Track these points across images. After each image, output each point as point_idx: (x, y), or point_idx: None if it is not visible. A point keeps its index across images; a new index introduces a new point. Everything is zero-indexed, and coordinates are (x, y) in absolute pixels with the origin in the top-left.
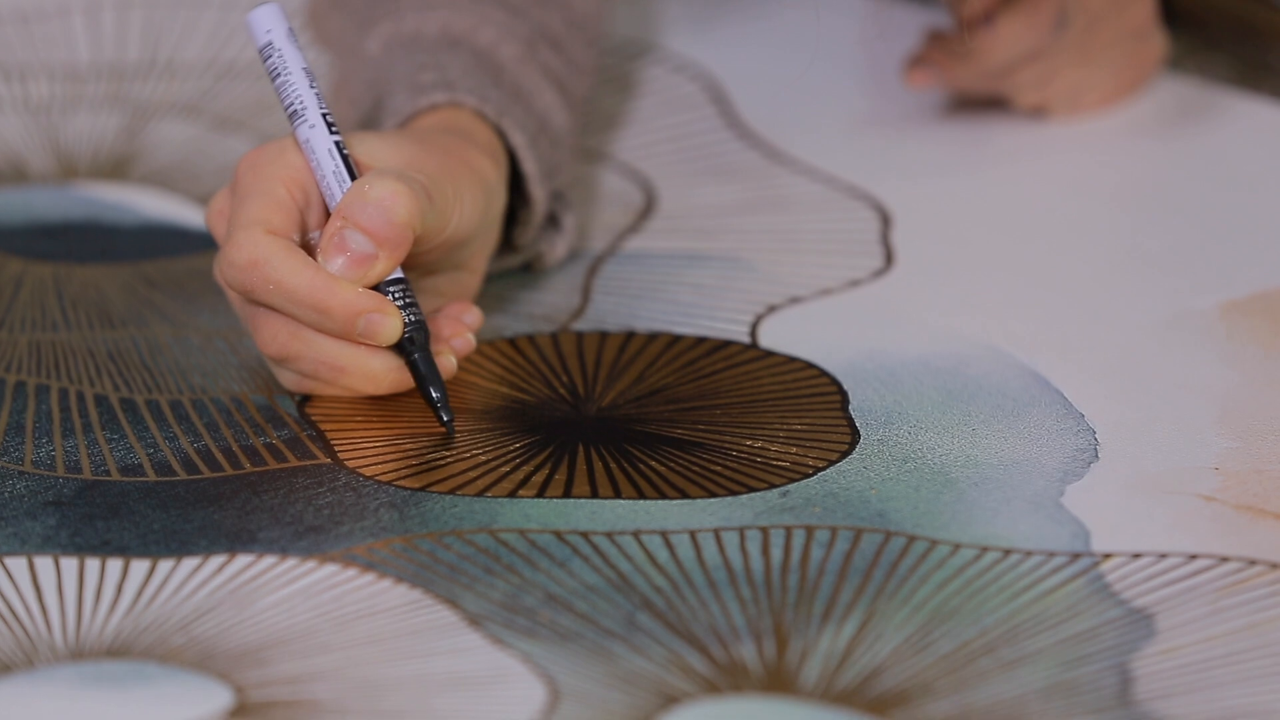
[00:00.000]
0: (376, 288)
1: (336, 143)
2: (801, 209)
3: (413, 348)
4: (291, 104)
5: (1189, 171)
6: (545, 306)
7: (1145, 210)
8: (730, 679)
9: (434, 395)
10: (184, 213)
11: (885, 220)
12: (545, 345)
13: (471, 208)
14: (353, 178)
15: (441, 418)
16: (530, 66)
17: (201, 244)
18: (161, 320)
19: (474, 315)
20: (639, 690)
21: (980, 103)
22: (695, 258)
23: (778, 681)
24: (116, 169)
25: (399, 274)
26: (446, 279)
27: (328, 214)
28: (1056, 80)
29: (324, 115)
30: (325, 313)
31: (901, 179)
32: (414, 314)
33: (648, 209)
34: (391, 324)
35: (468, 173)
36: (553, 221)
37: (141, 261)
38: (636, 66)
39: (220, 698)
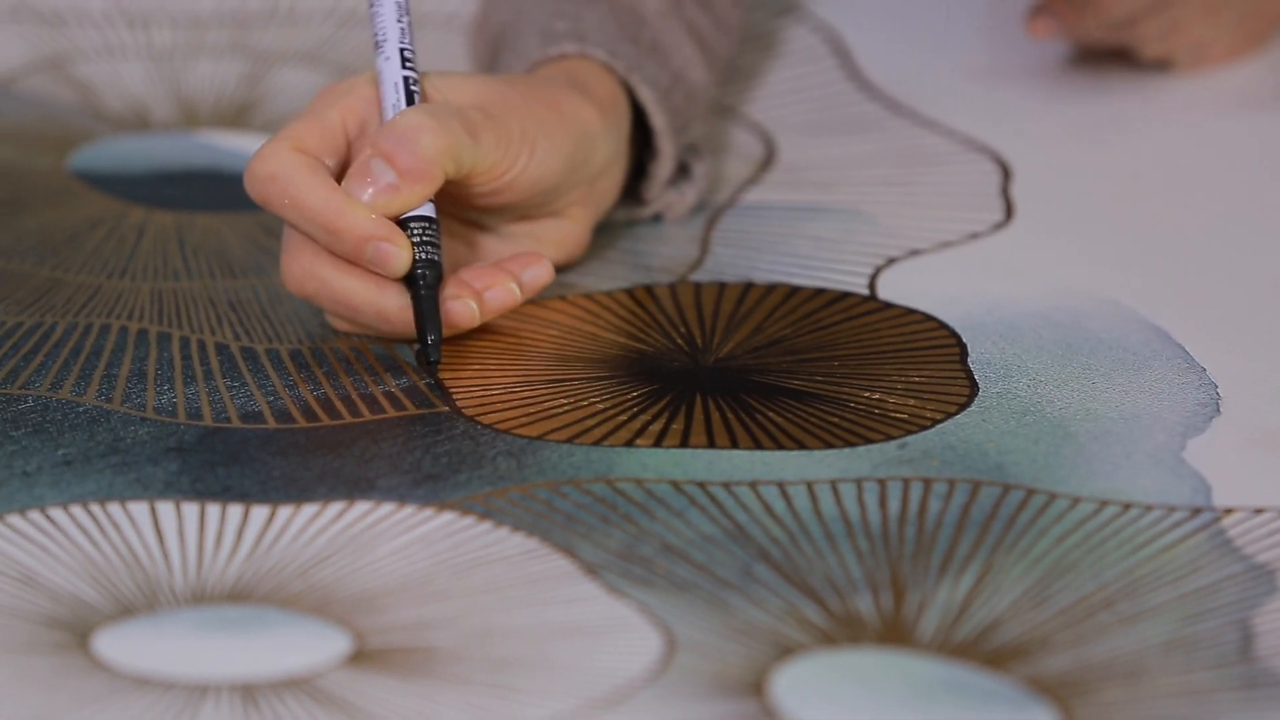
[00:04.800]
0: (401, 223)
1: (406, 77)
2: (921, 161)
3: (419, 285)
4: (377, 35)
5: None
6: (663, 258)
7: (1267, 163)
8: (847, 631)
9: (428, 338)
10: None
11: (1005, 173)
12: (663, 296)
13: (549, 153)
14: None
15: (426, 359)
16: (673, 21)
17: None
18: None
19: (536, 270)
20: (755, 641)
21: (1104, 55)
22: (815, 210)
23: (894, 634)
24: (238, 117)
25: (427, 212)
26: (546, 227)
27: None
28: (1181, 32)
29: (402, 49)
30: (335, 233)
31: (1022, 132)
32: (429, 253)
33: (767, 161)
34: (400, 255)
35: (553, 118)
36: (683, 171)
37: (261, 211)
38: (779, 25)
39: (339, 644)
